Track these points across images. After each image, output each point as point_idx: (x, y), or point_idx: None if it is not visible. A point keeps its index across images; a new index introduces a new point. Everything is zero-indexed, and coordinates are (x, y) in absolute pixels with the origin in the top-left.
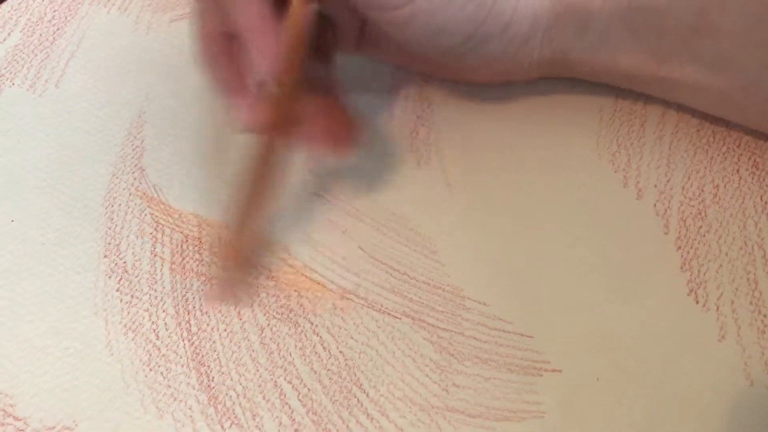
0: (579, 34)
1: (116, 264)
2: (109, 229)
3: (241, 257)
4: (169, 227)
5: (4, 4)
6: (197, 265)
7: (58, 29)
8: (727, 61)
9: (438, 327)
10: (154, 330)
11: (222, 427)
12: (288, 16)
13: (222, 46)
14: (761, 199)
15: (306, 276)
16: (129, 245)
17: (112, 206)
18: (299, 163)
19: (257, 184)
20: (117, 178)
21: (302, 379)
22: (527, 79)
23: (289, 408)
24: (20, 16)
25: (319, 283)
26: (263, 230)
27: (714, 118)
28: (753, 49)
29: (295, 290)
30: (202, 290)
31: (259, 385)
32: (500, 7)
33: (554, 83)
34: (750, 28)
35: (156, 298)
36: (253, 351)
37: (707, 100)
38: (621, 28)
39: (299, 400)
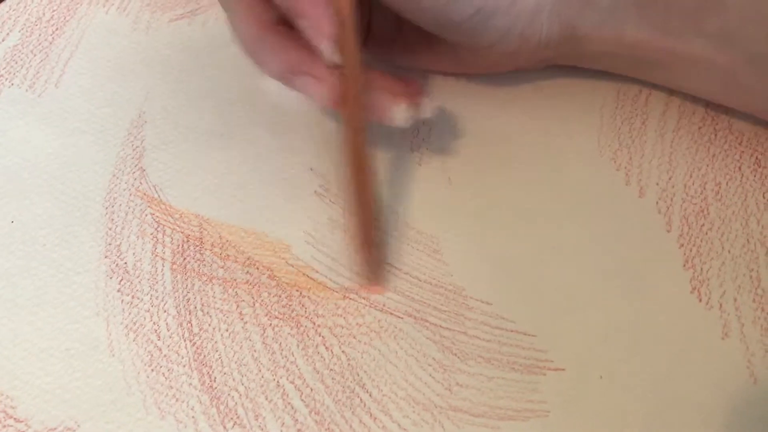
0: (586, 7)
1: (117, 264)
2: (110, 229)
3: (370, 240)
4: (169, 227)
5: (2, 4)
6: (198, 266)
7: (57, 29)
8: (733, 36)
9: (441, 326)
10: (156, 330)
11: (224, 427)
12: None
13: (272, 35)
14: (763, 197)
15: (308, 275)
16: (130, 246)
17: (113, 207)
18: (300, 163)
19: (358, 162)
20: (117, 178)
21: (305, 379)
22: (535, 62)
23: (292, 408)
24: (19, 16)
25: (321, 283)
26: (379, 209)
27: (716, 114)
28: (759, 24)
29: (297, 290)
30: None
31: (262, 386)
32: None
33: (555, 81)
34: (756, 2)
35: (157, 298)
36: (255, 351)
37: (713, 80)
38: (627, 1)
39: (302, 400)
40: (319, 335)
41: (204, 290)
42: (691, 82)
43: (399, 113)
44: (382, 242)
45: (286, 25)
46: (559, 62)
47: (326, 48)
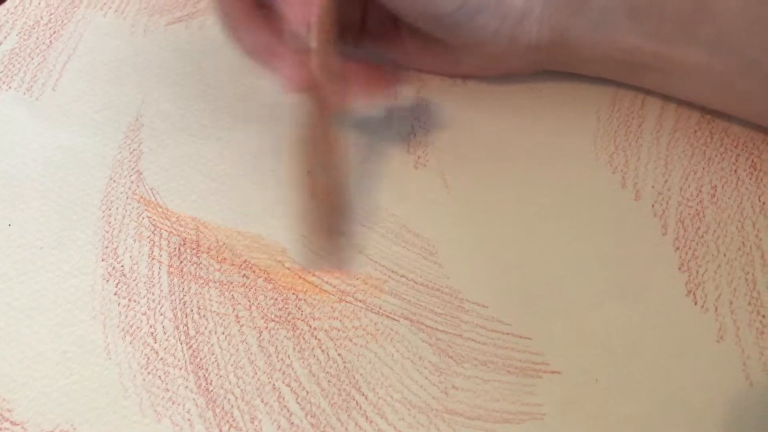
0: (577, 12)
1: (114, 267)
2: (107, 232)
3: (326, 223)
4: (166, 230)
5: (0, 8)
6: (195, 268)
7: (54, 32)
8: (727, 43)
9: (437, 329)
10: (152, 333)
11: (220, 430)
12: None
13: (252, 14)
14: (759, 200)
15: (304, 278)
16: (126, 249)
17: (110, 210)
18: (297, 166)
19: (319, 147)
20: (114, 181)
21: (300, 382)
22: (526, 66)
23: (288, 411)
24: (16, 20)
25: (316, 286)
26: (341, 191)
27: (712, 118)
28: (753, 31)
29: (293, 293)
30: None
31: (258, 388)
32: None
33: (552, 84)
34: (749, 10)
35: (154, 301)
36: (251, 354)
37: (707, 87)
38: (620, 7)
39: (297, 403)
40: (315, 338)
41: (200, 293)
42: (685, 88)
43: (376, 99)
44: (347, 228)
45: (265, 8)
46: (552, 68)
47: (297, 32)
